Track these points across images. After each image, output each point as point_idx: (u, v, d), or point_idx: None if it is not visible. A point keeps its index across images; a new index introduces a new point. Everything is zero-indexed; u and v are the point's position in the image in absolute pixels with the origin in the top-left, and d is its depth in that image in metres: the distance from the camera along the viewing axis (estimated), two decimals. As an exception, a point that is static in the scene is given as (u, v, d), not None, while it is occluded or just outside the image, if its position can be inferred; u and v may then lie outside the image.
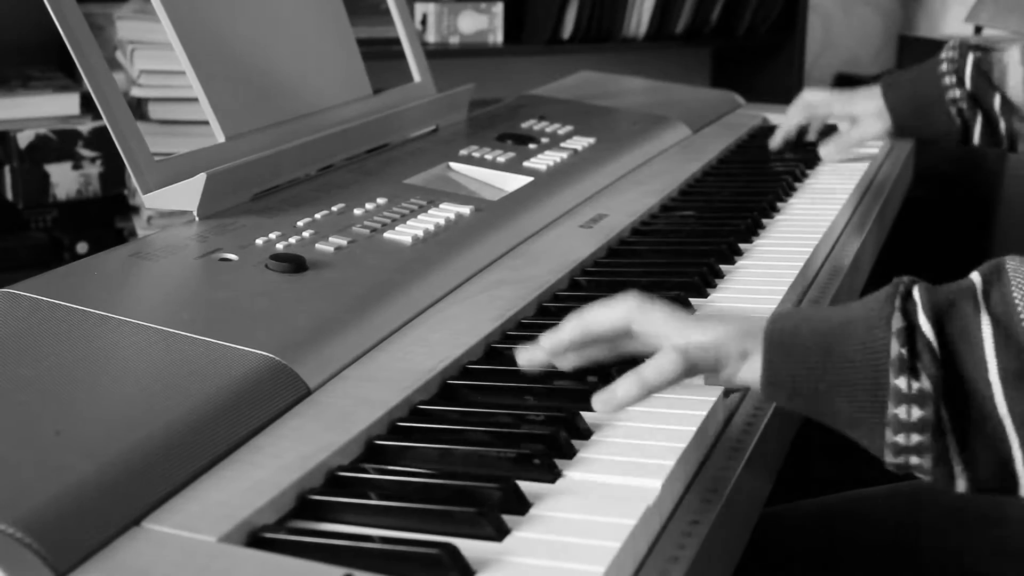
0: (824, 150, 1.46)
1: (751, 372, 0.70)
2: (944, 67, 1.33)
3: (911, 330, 0.64)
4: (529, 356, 0.76)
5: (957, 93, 1.32)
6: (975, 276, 0.67)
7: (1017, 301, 0.64)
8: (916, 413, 0.63)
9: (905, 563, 0.88)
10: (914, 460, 0.64)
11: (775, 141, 1.50)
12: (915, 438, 0.63)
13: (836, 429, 0.68)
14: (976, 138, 1.33)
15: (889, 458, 0.65)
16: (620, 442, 0.70)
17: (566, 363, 0.76)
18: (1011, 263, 0.66)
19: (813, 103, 1.49)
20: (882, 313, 0.66)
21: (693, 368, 0.71)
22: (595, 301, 0.90)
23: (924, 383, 0.63)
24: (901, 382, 0.63)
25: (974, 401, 0.63)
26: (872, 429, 0.65)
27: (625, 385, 0.70)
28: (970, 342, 0.64)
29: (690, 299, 0.94)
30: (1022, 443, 0.62)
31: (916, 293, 0.66)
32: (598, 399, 0.71)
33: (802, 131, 1.52)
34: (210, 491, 0.62)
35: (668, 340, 0.71)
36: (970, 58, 1.31)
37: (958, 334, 0.64)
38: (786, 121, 1.50)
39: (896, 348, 0.64)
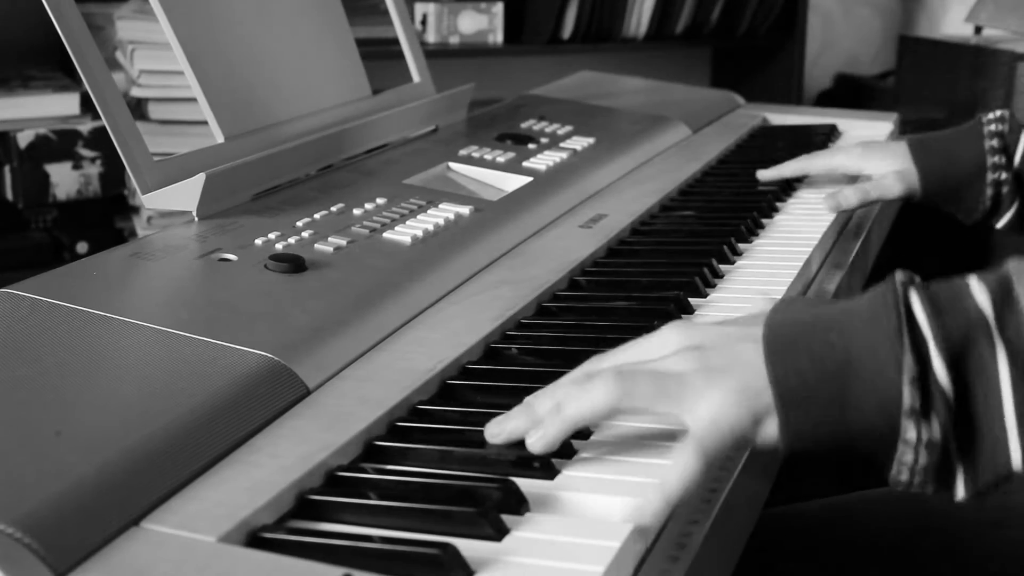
0: (831, 201, 1.22)
1: (768, 433, 0.65)
2: (991, 142, 1.18)
3: (924, 375, 0.61)
4: (505, 438, 0.69)
5: (1003, 175, 1.17)
6: (983, 299, 0.63)
7: None
8: (923, 459, 0.62)
9: (906, 565, 0.88)
10: (916, 486, 0.64)
11: (765, 175, 1.32)
12: (918, 479, 0.63)
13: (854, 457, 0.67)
14: (1003, 222, 1.19)
15: (894, 485, 0.65)
16: (619, 443, 0.70)
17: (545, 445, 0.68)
18: (1020, 288, 0.63)
19: (817, 155, 1.32)
20: (892, 353, 0.62)
21: (715, 458, 0.65)
22: (588, 313, 0.90)
23: (935, 431, 0.62)
24: (911, 433, 0.62)
25: (984, 439, 0.62)
26: (889, 464, 0.64)
27: (653, 506, 0.62)
28: (986, 383, 0.61)
29: (690, 299, 0.94)
30: None
31: (920, 318, 0.62)
32: (630, 518, 0.62)
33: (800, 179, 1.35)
34: (210, 491, 0.62)
35: (671, 418, 0.67)
36: None
37: (974, 374, 0.62)
38: (782, 167, 1.32)
39: (908, 398, 0.61)
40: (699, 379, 0.65)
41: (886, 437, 0.63)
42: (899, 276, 0.65)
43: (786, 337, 0.65)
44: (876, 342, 0.62)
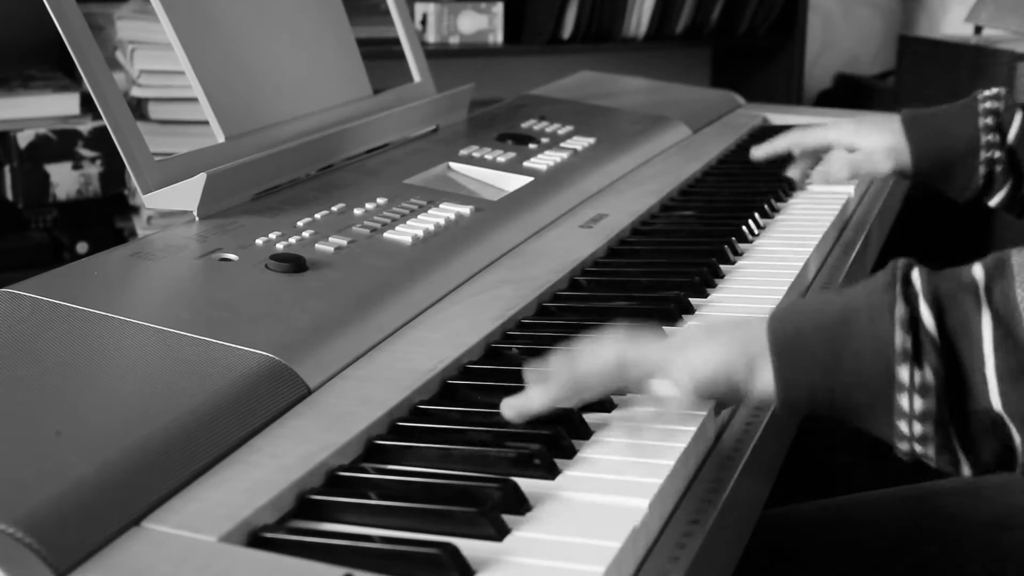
0: (820, 175, 1.23)
1: (763, 385, 0.68)
2: (986, 119, 1.14)
3: (914, 319, 0.64)
4: (519, 411, 0.71)
5: (996, 153, 1.13)
6: (977, 270, 0.66)
7: (1020, 299, 0.63)
8: (919, 404, 0.63)
9: (906, 567, 0.88)
10: (919, 448, 0.65)
11: (759, 152, 1.31)
12: (918, 428, 0.64)
13: (854, 423, 0.68)
14: (996, 200, 1.15)
15: (897, 444, 0.65)
16: (620, 442, 0.70)
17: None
18: (1017, 258, 0.65)
19: (810, 129, 1.28)
20: (884, 301, 0.65)
21: (709, 400, 0.69)
22: (588, 313, 0.91)
23: (927, 374, 0.63)
24: (904, 372, 0.63)
25: (972, 395, 0.63)
26: (885, 419, 0.65)
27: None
28: (969, 337, 0.64)
29: (690, 299, 0.94)
30: (1021, 434, 0.63)
31: (915, 279, 0.66)
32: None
33: (789, 156, 1.32)
34: (210, 491, 0.62)
35: (668, 373, 0.69)
36: (1020, 115, 1.13)
37: (959, 328, 0.64)
38: (775, 142, 1.29)
39: (900, 338, 0.64)
40: (701, 333, 0.71)
41: (880, 388, 0.64)
42: (901, 260, 0.68)
43: (787, 309, 0.69)
44: (872, 295, 0.66)
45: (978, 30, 2.65)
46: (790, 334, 0.67)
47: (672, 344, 0.71)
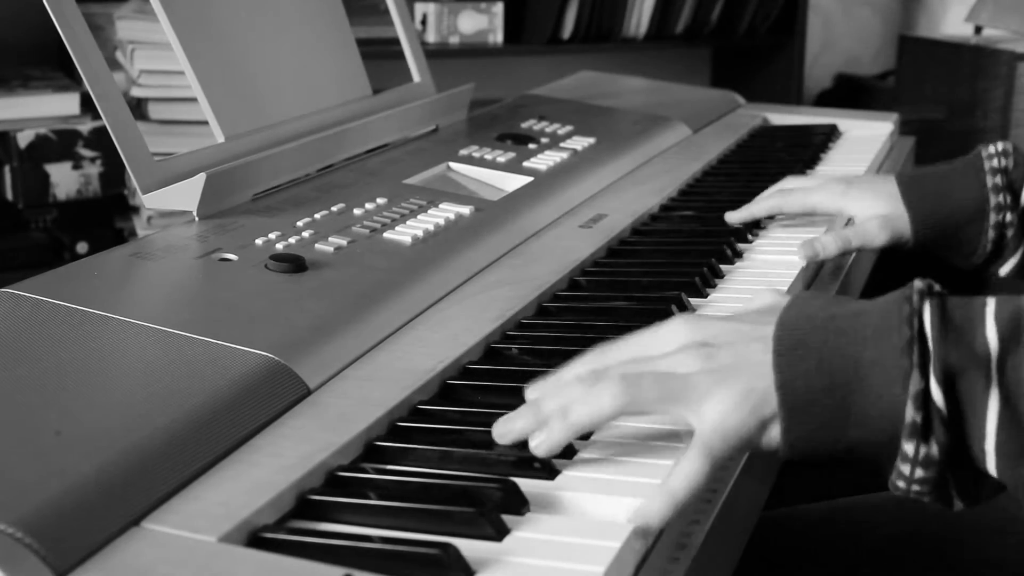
0: (807, 249, 1.05)
1: (772, 438, 0.65)
2: (994, 179, 1.02)
3: (926, 394, 0.61)
4: (508, 433, 0.69)
5: (1007, 216, 1.01)
6: (992, 337, 0.62)
7: None
8: (919, 472, 0.62)
9: (905, 569, 0.88)
10: (914, 495, 0.64)
11: (734, 216, 1.14)
12: (916, 488, 0.64)
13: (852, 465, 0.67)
14: (1007, 268, 1.04)
15: (893, 490, 0.65)
16: (620, 443, 0.70)
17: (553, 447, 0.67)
18: None
19: (792, 192, 1.13)
20: (899, 366, 0.62)
21: (722, 462, 0.65)
22: (588, 313, 0.90)
23: (932, 448, 0.62)
24: (910, 447, 0.62)
25: (975, 460, 0.63)
26: (886, 472, 0.65)
27: (658, 508, 0.62)
28: (975, 413, 0.61)
29: (690, 299, 0.94)
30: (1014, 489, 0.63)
31: (929, 340, 0.62)
32: (634, 521, 0.61)
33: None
34: (210, 491, 0.62)
35: (677, 418, 0.66)
36: None
37: (966, 402, 0.62)
38: (753, 206, 1.15)
39: (911, 414, 0.61)
40: (705, 380, 0.65)
41: (885, 449, 0.63)
42: (917, 284, 0.64)
43: (796, 340, 0.64)
44: (885, 356, 0.62)
45: (978, 30, 2.65)
46: (800, 394, 0.63)
47: (673, 383, 0.65)
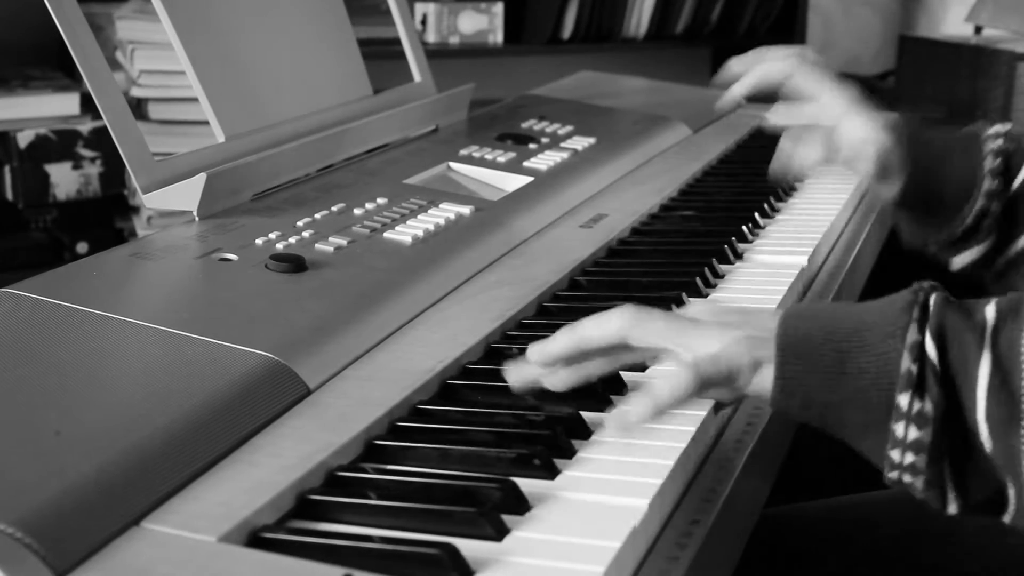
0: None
1: (762, 382, 0.67)
2: (994, 162, 0.95)
3: (923, 346, 0.63)
4: (519, 373, 0.73)
5: (993, 205, 0.95)
6: (991, 309, 0.64)
7: (1023, 348, 0.62)
8: (913, 433, 0.62)
9: (906, 568, 0.88)
10: (907, 478, 0.64)
11: (724, 101, 1.08)
12: (909, 457, 0.63)
13: (843, 439, 0.67)
14: (968, 255, 0.97)
15: (887, 473, 0.64)
16: (620, 442, 0.70)
17: (559, 381, 0.72)
18: None
19: (793, 106, 1.04)
20: (899, 322, 0.64)
21: (707, 383, 0.67)
22: (588, 313, 0.90)
23: (927, 405, 0.62)
24: (904, 400, 0.62)
25: (969, 433, 0.62)
26: (877, 443, 0.64)
27: (638, 409, 0.66)
28: (967, 377, 0.62)
29: (691, 299, 0.93)
30: (1013, 482, 0.62)
31: (931, 305, 0.64)
32: (612, 422, 0.66)
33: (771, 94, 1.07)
34: (210, 491, 0.62)
35: (671, 352, 0.69)
36: None
37: (958, 366, 0.62)
38: (742, 82, 1.07)
39: (907, 363, 0.62)
40: (712, 326, 0.69)
41: (877, 410, 0.63)
42: (927, 283, 0.67)
43: (803, 310, 0.68)
44: (886, 316, 0.65)
45: (978, 30, 2.65)
46: (800, 337, 0.65)
47: (681, 321, 0.70)
